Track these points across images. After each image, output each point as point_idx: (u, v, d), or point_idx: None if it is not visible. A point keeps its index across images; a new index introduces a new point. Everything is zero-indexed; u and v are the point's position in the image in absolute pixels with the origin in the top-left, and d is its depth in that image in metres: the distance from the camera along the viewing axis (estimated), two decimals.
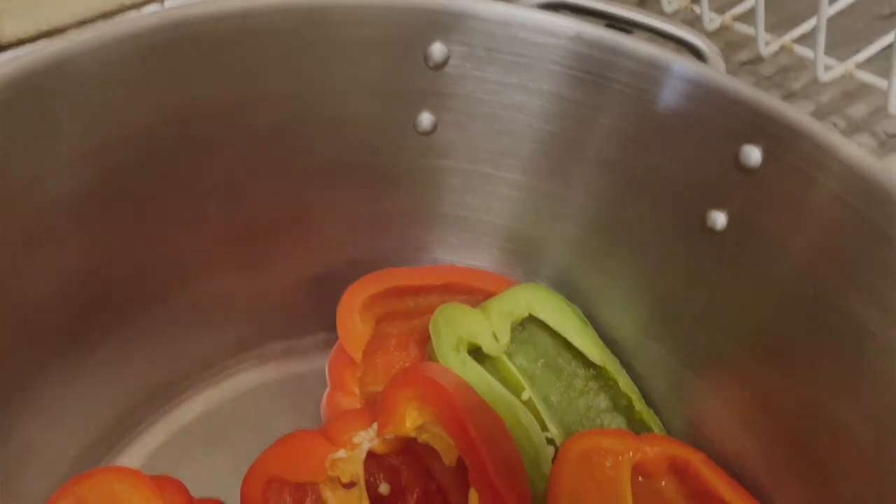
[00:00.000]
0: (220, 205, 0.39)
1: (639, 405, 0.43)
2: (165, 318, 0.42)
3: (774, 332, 0.37)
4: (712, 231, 0.38)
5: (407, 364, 0.45)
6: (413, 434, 0.35)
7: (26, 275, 0.33)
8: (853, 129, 0.56)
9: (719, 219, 0.37)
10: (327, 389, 0.42)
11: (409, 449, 0.38)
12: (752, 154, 0.35)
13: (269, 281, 0.45)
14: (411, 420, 0.34)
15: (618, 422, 0.44)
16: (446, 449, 0.35)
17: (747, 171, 0.35)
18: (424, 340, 0.46)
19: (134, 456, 0.42)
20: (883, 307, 0.31)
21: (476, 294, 0.45)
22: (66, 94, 0.31)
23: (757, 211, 0.36)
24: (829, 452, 0.34)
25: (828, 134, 0.32)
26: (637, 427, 0.43)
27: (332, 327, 0.45)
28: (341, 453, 0.35)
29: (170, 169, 0.36)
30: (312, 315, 0.47)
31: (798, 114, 0.33)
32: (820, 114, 0.57)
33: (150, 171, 0.35)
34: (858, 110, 0.57)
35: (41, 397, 0.36)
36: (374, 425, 0.36)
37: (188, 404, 0.45)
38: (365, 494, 0.36)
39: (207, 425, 0.44)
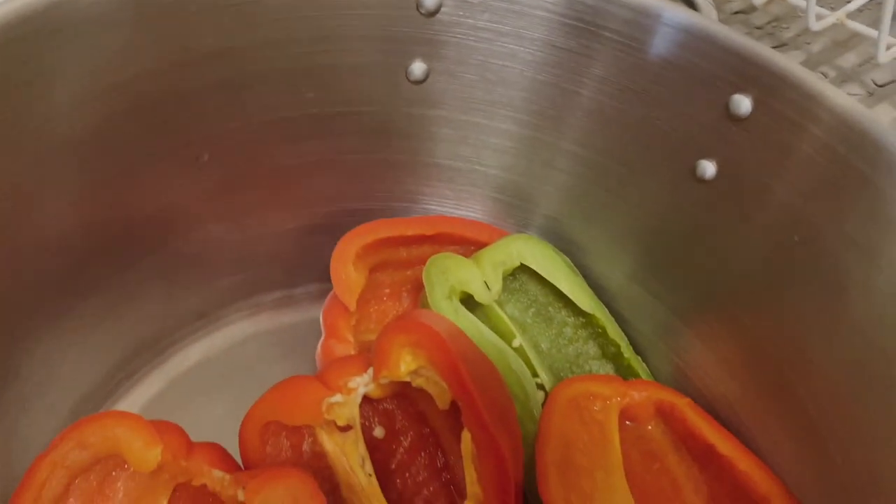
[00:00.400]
0: (212, 153, 0.39)
1: (627, 352, 0.44)
2: (159, 267, 0.42)
3: (761, 278, 0.37)
4: (702, 180, 0.38)
5: (400, 313, 0.46)
6: (407, 378, 0.36)
7: (26, 221, 0.33)
8: (843, 78, 0.56)
9: (709, 168, 0.38)
10: (322, 337, 0.43)
11: (404, 394, 0.39)
12: (742, 103, 0.35)
13: (261, 230, 0.45)
14: (406, 365, 0.35)
15: (606, 368, 0.45)
16: (440, 393, 0.36)
17: (737, 120, 0.35)
18: (417, 290, 0.47)
19: (132, 403, 0.43)
20: (865, 251, 0.31)
21: (468, 244, 0.46)
22: (61, 40, 0.31)
23: (746, 160, 0.36)
24: (811, 395, 0.35)
25: (817, 82, 0.32)
26: (625, 373, 0.44)
27: (325, 277, 0.46)
28: (337, 398, 0.36)
29: (165, 116, 0.36)
30: (305, 265, 0.47)
31: (788, 62, 0.33)
32: (811, 63, 0.58)
33: (145, 118, 0.35)
34: (849, 60, 0.58)
35: (41, 346, 0.36)
36: (370, 370, 0.36)
37: (184, 353, 0.45)
38: (360, 437, 0.37)
39: (203, 373, 0.45)
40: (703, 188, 0.38)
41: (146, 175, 0.37)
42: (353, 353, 0.42)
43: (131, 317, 0.42)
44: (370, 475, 0.37)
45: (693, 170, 0.38)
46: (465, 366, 0.33)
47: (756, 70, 0.34)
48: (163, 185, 0.39)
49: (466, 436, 0.34)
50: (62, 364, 0.38)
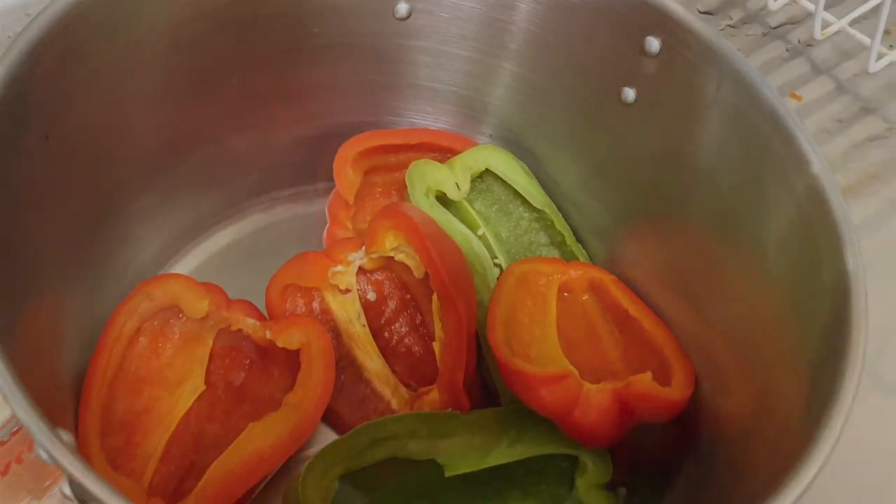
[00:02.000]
0: (239, 77, 0.49)
1: (570, 240, 0.54)
2: (196, 169, 0.51)
3: (674, 185, 0.47)
4: (626, 104, 0.47)
5: None
6: (391, 253, 0.47)
7: (117, 130, 0.44)
8: (746, 20, 0.65)
9: (630, 94, 0.47)
10: (327, 225, 0.54)
11: (390, 267, 0.50)
12: (653, 43, 0.44)
13: (277, 139, 0.54)
14: (389, 243, 0.46)
15: (553, 253, 0.55)
16: (415, 265, 0.47)
17: (650, 56, 0.45)
18: (403, 189, 0.56)
19: (180, 272, 0.53)
20: (728, 153, 0.42)
21: (444, 152, 0.55)
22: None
23: (658, 89, 0.46)
24: (700, 278, 0.46)
25: (696, 23, 0.42)
26: (568, 257, 0.54)
27: (330, 177, 0.56)
28: (339, 268, 0.47)
29: (203, 48, 0.45)
30: (313, 167, 0.57)
31: (683, 11, 0.42)
32: (724, 6, 0.66)
33: (188, 50, 0.44)
34: (755, 4, 0.66)
35: (113, 233, 0.47)
36: (363, 248, 0.48)
37: (217, 236, 0.55)
38: (357, 298, 0.49)
39: (233, 252, 0.55)
40: (627, 110, 0.48)
41: (187, 95, 0.47)
42: (351, 237, 0.53)
43: (174, 209, 0.52)
44: (364, 326, 0.49)
45: (619, 94, 0.48)
46: (431, 244, 0.44)
47: (662, 17, 0.43)
48: (199, 102, 0.48)
49: (434, 296, 0.46)
50: (125, 246, 0.48)
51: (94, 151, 0.43)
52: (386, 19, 0.50)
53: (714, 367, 0.45)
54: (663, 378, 0.46)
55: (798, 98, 0.62)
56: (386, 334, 0.51)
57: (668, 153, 0.47)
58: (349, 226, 0.53)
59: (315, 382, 0.43)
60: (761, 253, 0.40)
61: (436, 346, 0.46)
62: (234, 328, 0.46)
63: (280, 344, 0.44)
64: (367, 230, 0.47)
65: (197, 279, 0.49)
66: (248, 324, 0.46)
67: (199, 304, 0.45)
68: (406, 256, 0.47)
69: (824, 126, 0.62)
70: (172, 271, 0.53)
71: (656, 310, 0.50)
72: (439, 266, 0.44)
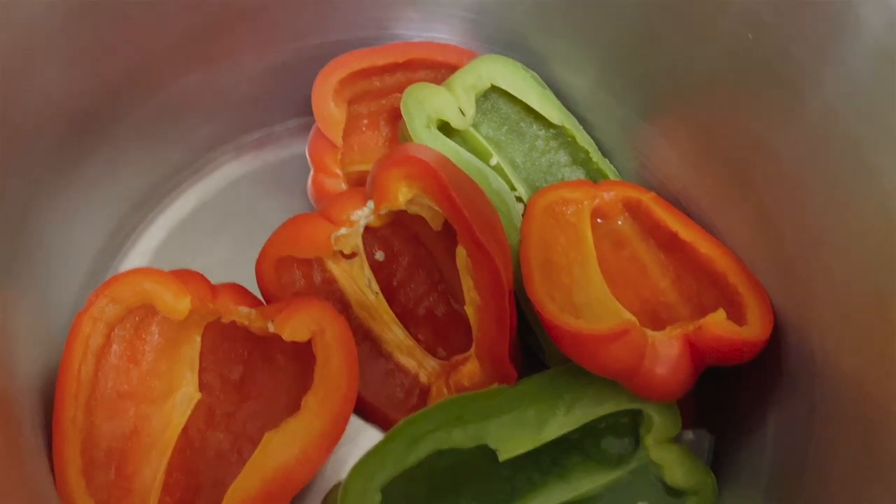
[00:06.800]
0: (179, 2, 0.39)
1: (595, 156, 0.47)
2: (142, 123, 0.43)
3: (719, 75, 0.39)
4: None
5: (381, 142, 0.48)
6: (405, 207, 0.39)
7: (23, 96, 0.33)
8: None
9: None
10: (311, 173, 0.45)
11: (398, 221, 0.42)
12: None
13: (237, 74, 0.45)
14: (403, 196, 0.38)
15: (577, 174, 0.48)
16: (433, 216, 0.39)
17: None
18: (394, 119, 0.48)
19: (142, 254, 0.45)
20: (815, 47, 0.34)
21: (439, 68, 0.47)
22: None
23: None
24: (765, 182, 0.39)
25: None
26: (594, 176, 0.47)
27: (300, 112, 0.47)
28: (343, 231, 0.39)
29: None
30: (282, 103, 0.48)
31: None
32: None
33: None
34: None
35: (54, 211, 0.38)
36: (370, 203, 0.39)
37: (180, 201, 0.47)
38: (365, 262, 0.41)
39: (202, 217, 0.47)
40: None
41: (118, 36, 0.37)
42: (342, 185, 0.44)
43: (126, 173, 0.43)
44: (377, 293, 0.41)
45: None
46: (454, 189, 0.36)
47: None
48: (134, 43, 0.38)
49: (461, 251, 0.38)
50: (74, 225, 0.40)
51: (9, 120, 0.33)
52: None
53: (797, 293, 0.38)
54: (735, 313, 0.40)
55: None
56: (401, 298, 0.43)
57: (717, 39, 0.39)
58: (338, 172, 0.44)
59: (336, 377, 0.36)
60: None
61: (468, 309, 0.39)
62: (225, 321, 0.38)
63: (287, 337, 0.36)
64: (374, 182, 0.39)
65: (162, 261, 0.40)
66: (243, 314, 0.38)
67: (180, 303, 0.37)
68: (421, 208, 0.39)
69: None
70: (132, 253, 0.45)
71: (710, 228, 0.43)
72: (467, 218, 0.36)
